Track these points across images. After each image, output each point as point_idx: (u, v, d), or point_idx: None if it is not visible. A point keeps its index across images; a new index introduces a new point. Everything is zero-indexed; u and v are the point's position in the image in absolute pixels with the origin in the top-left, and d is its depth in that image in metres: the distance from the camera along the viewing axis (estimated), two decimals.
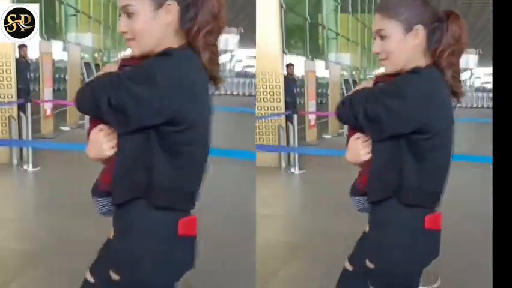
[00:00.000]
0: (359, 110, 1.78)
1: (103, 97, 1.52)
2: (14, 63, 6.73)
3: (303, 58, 9.58)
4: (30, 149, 6.50)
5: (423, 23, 1.79)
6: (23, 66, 7.78)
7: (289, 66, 8.54)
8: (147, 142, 1.55)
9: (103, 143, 1.61)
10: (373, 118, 1.76)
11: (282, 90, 7.42)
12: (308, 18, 9.47)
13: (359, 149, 1.86)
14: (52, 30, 9.11)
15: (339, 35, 12.52)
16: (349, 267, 2.08)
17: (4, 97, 6.76)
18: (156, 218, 1.59)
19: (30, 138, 6.73)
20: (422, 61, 1.81)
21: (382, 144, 1.80)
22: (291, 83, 8.46)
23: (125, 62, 1.62)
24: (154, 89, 1.51)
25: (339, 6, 12.47)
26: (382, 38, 1.79)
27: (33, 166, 6.52)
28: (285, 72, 8.08)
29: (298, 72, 8.99)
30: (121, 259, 1.63)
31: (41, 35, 7.99)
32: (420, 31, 1.78)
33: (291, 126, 7.20)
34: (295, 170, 7.19)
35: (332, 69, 11.57)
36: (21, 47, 7.74)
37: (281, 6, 7.66)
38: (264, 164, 6.73)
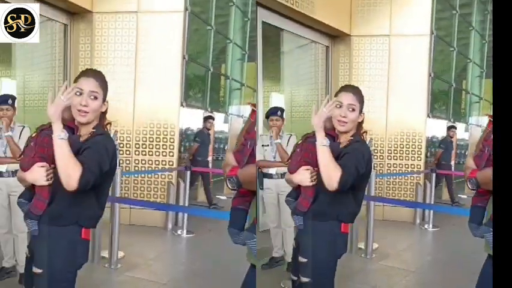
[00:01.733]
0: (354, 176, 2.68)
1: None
2: (177, 133, 6.94)
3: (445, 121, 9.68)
4: (185, 214, 6.65)
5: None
6: (206, 138, 8.10)
7: (450, 129, 8.97)
8: None
9: (43, 175, 2.42)
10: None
11: (423, 150, 7.86)
12: (453, 84, 9.57)
13: (307, 177, 2.77)
14: (216, 103, 9.13)
15: (482, 98, 12.39)
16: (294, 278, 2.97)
17: (165, 164, 6.91)
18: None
19: (186, 204, 6.80)
20: (352, 132, 2.87)
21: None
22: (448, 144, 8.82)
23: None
24: None
25: None
26: (350, 110, 2.80)
27: (187, 232, 6.60)
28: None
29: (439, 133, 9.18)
30: None
31: (205, 107, 8.29)
32: (362, 116, 2.87)
33: (428, 184, 7.44)
34: (429, 227, 7.40)
35: (472, 131, 11.59)
36: (207, 119, 8.11)
37: None
38: (400, 218, 7.46)
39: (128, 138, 6.60)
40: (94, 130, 2.51)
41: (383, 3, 7.70)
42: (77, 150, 2.39)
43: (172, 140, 6.89)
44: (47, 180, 2.43)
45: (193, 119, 8.11)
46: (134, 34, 6.73)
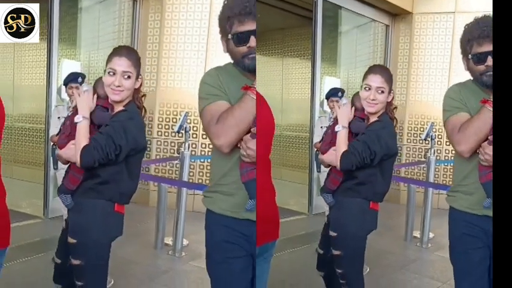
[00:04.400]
0: (365, 155, 2.78)
1: None
2: None
3: None
4: None
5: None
6: None
7: None
8: None
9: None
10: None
11: None
12: None
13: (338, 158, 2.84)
14: None
15: None
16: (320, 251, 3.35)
17: None
18: None
19: None
20: (382, 110, 2.91)
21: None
22: None
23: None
24: None
25: None
26: (379, 92, 2.84)
27: None
28: None
29: None
30: None
31: None
32: (392, 94, 2.91)
33: None
34: None
35: None
36: None
37: None
38: None
39: (196, 121, 6.48)
40: (124, 107, 2.56)
41: None
42: None
43: None
44: None
45: None
46: (451, 34, 6.89)
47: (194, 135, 6.51)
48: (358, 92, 2.97)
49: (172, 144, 6.82)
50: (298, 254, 4.91)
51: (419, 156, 7.50)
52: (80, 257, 2.55)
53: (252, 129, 2.18)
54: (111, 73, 2.50)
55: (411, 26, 7.45)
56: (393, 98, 2.92)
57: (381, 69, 2.90)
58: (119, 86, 2.51)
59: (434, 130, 5.76)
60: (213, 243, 2.34)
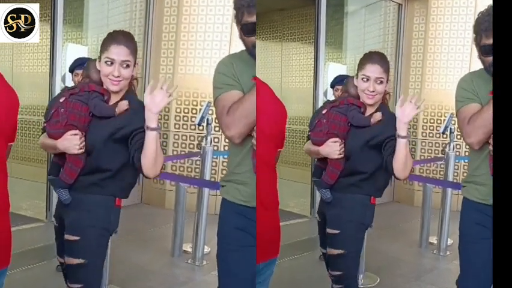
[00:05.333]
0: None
1: None
2: None
3: None
4: None
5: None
6: None
7: None
8: None
9: (76, 144, 2.38)
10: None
11: None
12: None
13: (336, 150, 2.77)
14: None
15: None
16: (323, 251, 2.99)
17: None
18: None
19: None
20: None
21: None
22: None
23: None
24: None
25: None
26: (378, 83, 2.77)
27: None
28: None
29: None
30: None
31: None
32: (389, 82, 2.82)
33: None
34: None
35: None
36: None
37: None
38: None
39: None
40: (127, 100, 2.45)
41: None
42: (110, 122, 2.41)
43: None
44: (80, 149, 2.41)
45: None
46: (472, 14, 6.56)
47: (216, 128, 5.54)
48: (353, 77, 2.90)
49: (192, 138, 6.37)
50: (300, 262, 4.62)
51: (436, 152, 7.14)
52: (82, 255, 2.43)
53: None
54: (108, 62, 2.41)
55: (427, 5, 7.06)
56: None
57: (380, 58, 2.80)
58: (118, 77, 2.43)
59: (453, 122, 5.29)
60: (225, 230, 2.42)
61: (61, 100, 2.49)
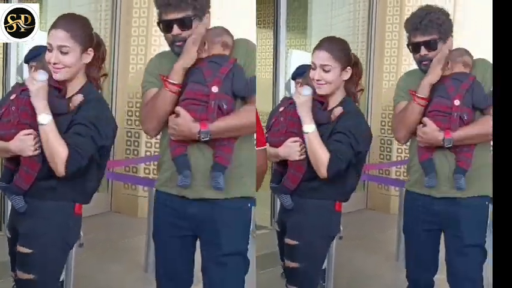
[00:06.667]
0: (350, 157, 2.50)
1: None
2: None
3: None
4: None
5: (351, 65, 2.55)
6: None
7: None
8: None
9: (30, 145, 2.17)
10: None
11: None
12: None
13: (296, 150, 2.50)
14: None
15: None
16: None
17: None
18: None
19: None
20: (341, 91, 2.58)
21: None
22: None
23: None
24: None
25: None
26: (325, 71, 2.50)
27: None
28: None
29: None
30: None
31: None
32: (349, 71, 2.55)
33: None
34: None
35: None
36: None
37: None
38: None
39: None
40: (82, 93, 2.26)
41: None
42: (67, 119, 2.23)
43: None
44: (35, 150, 2.19)
45: None
46: None
47: None
48: None
49: None
50: (259, 280, 3.71)
51: None
52: (34, 270, 2.22)
53: (175, 110, 2.26)
54: (50, 48, 2.23)
55: None
56: (352, 76, 2.57)
57: (329, 43, 2.55)
58: (56, 64, 2.21)
59: None
60: (154, 221, 2.47)
61: (12, 97, 2.27)
